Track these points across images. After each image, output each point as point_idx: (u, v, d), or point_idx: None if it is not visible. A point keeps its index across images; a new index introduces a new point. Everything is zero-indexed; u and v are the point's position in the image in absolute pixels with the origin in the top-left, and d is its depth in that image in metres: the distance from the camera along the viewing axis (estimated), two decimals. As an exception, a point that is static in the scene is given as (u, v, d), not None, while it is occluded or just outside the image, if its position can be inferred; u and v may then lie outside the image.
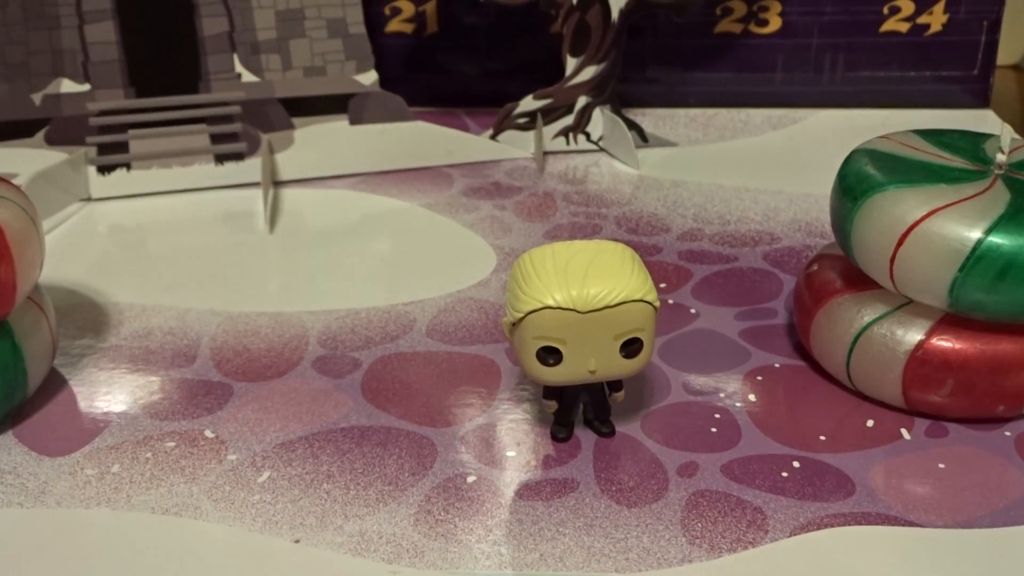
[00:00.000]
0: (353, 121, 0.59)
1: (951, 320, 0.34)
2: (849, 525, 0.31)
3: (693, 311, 0.43)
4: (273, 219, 0.51)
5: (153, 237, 0.51)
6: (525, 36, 0.64)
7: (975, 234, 0.32)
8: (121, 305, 0.44)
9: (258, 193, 0.53)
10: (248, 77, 0.57)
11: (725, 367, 0.39)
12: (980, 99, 0.64)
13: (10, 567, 0.30)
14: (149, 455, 0.34)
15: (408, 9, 0.64)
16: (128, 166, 0.54)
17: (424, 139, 0.59)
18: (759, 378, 0.38)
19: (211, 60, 0.57)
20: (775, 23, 0.63)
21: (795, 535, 0.31)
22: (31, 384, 0.36)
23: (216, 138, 0.56)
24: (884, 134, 0.39)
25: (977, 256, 0.32)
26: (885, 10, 0.63)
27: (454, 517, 0.31)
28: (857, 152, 0.37)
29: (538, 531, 0.31)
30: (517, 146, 0.59)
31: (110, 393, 0.38)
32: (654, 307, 0.32)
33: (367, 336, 0.41)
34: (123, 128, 0.55)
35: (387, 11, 0.64)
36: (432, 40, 0.65)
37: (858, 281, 0.37)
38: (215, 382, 0.38)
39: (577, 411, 0.35)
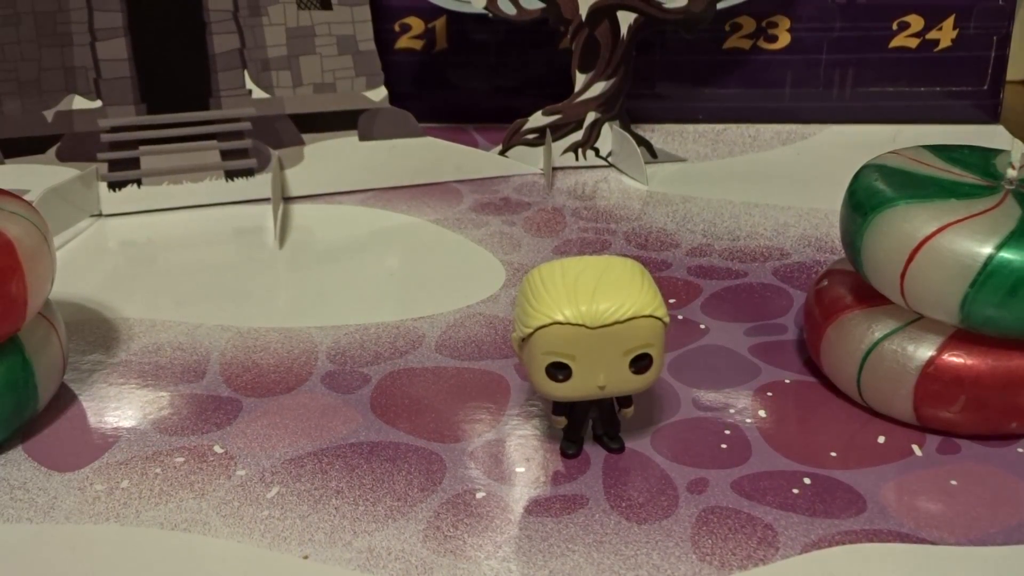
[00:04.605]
0: (363, 137, 0.59)
1: (962, 336, 0.34)
2: (860, 542, 0.31)
3: (703, 326, 0.43)
4: (283, 235, 0.52)
5: (163, 253, 0.51)
6: (534, 52, 0.64)
7: (986, 250, 0.32)
8: (131, 320, 0.44)
9: (268, 209, 0.53)
10: (258, 93, 0.57)
11: (735, 383, 0.39)
12: (990, 114, 0.64)
13: (19, 582, 0.30)
14: (158, 470, 0.34)
15: (418, 26, 0.64)
16: (139, 182, 0.55)
17: (433, 155, 0.59)
18: (769, 394, 0.38)
19: (222, 77, 0.57)
20: (784, 39, 0.63)
21: (806, 552, 0.30)
22: (41, 399, 0.36)
23: (227, 154, 0.56)
24: (894, 149, 0.39)
25: (988, 272, 0.32)
26: (894, 26, 0.63)
27: (463, 533, 0.31)
28: (867, 167, 0.37)
29: (548, 547, 0.31)
30: (526, 162, 0.59)
31: (120, 408, 0.38)
32: (663, 323, 0.31)
33: (376, 351, 0.41)
34: (134, 144, 0.55)
35: (396, 28, 0.64)
36: (441, 56, 0.65)
37: (868, 297, 0.36)
38: (224, 397, 0.38)
39: (586, 427, 0.35)
